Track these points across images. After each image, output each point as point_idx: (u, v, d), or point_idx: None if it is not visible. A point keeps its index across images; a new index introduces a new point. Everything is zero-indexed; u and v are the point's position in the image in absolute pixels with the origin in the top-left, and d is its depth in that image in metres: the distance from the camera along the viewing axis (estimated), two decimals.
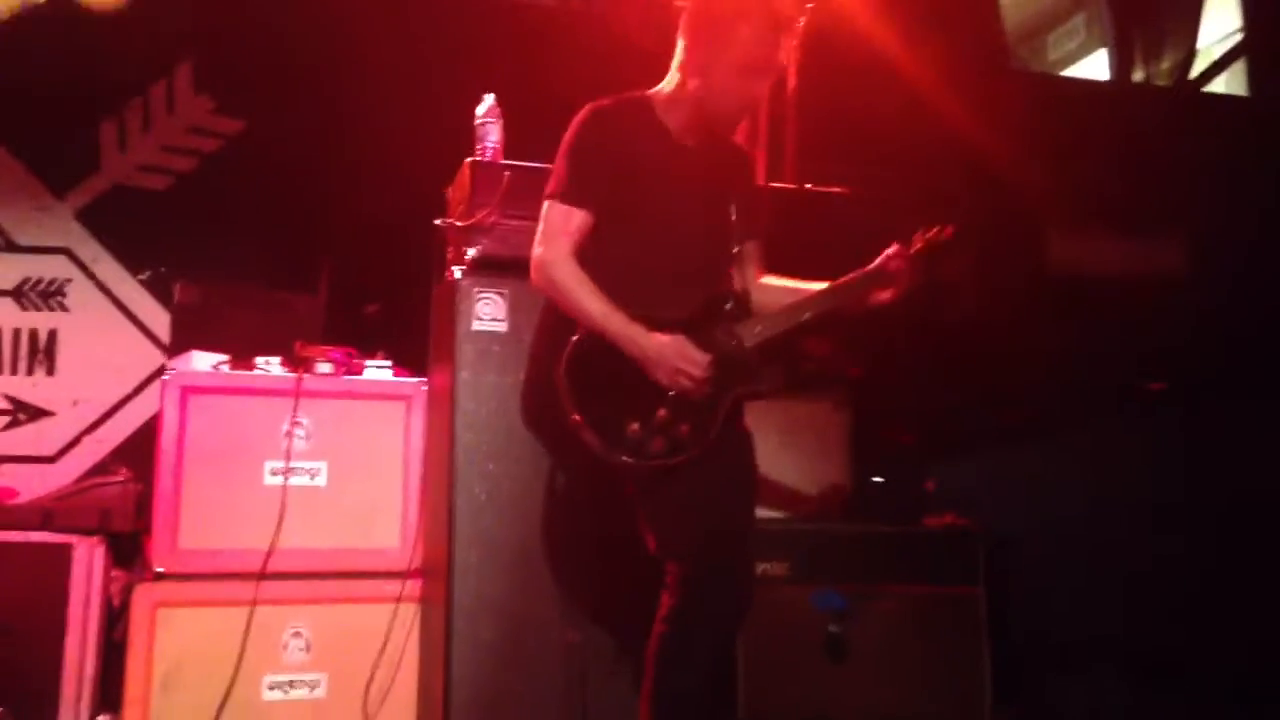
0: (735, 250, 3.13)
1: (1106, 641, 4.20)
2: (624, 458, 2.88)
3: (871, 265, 3.14)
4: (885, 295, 3.12)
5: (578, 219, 2.99)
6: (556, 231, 2.99)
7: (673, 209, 3.02)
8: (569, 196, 2.99)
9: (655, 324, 2.94)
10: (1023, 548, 4.35)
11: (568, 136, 3.05)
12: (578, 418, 2.90)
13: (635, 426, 2.88)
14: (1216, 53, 6.76)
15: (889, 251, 3.12)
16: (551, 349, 3.04)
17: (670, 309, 2.97)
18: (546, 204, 3.05)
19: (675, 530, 2.96)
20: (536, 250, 3.03)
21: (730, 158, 3.22)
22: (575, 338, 2.97)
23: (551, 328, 3.12)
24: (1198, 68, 6.39)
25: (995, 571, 4.09)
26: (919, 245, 3.12)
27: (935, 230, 3.13)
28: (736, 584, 2.95)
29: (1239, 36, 6.66)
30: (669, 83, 3.10)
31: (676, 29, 5.75)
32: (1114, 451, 4.39)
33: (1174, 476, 4.22)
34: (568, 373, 2.94)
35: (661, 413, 2.89)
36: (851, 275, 3.14)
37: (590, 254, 3.02)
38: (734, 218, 3.10)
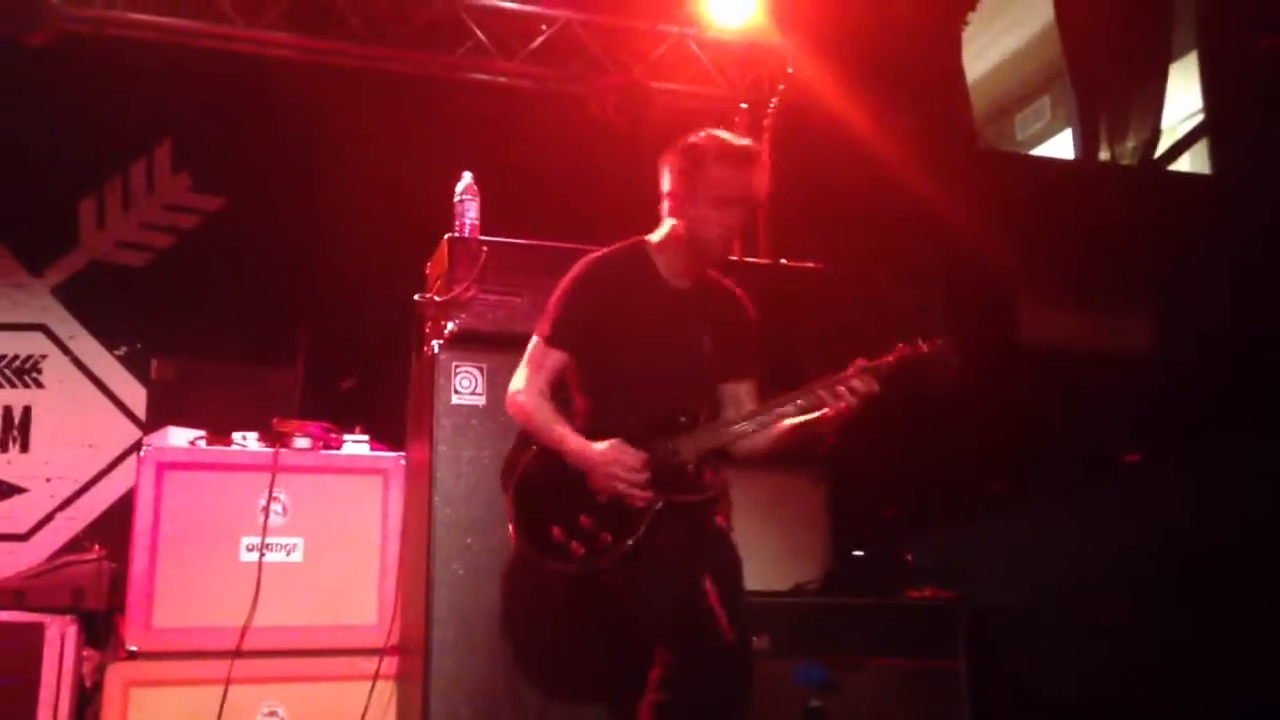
0: (712, 383, 3.23)
1: (1088, 711, 4.18)
2: (549, 564, 3.02)
3: (834, 378, 3.03)
4: (843, 406, 3.01)
5: (554, 358, 3.17)
6: (533, 368, 3.18)
7: (649, 345, 3.15)
8: (551, 339, 3.17)
9: (610, 435, 3.04)
10: (1003, 619, 4.34)
11: (564, 282, 3.22)
12: (511, 528, 3.10)
13: (558, 532, 3.00)
14: (1180, 132, 6.92)
15: (856, 363, 3.04)
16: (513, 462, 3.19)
17: (627, 420, 3.06)
18: (534, 339, 3.21)
19: (648, 621, 3.00)
20: (515, 379, 3.20)
21: (721, 298, 3.32)
22: (523, 462, 3.13)
23: (520, 445, 3.24)
24: (1161, 147, 6.52)
25: (976, 643, 4.08)
26: (894, 358, 3.03)
27: (916, 345, 3.05)
28: (719, 666, 2.89)
29: (1201, 117, 6.82)
30: (659, 231, 3.25)
31: (649, 110, 5.91)
32: (1091, 523, 4.41)
33: (1150, 546, 4.24)
34: (516, 492, 3.12)
35: (584, 520, 3.00)
36: (807, 386, 3.05)
37: (574, 381, 3.22)
38: (709, 350, 3.20)
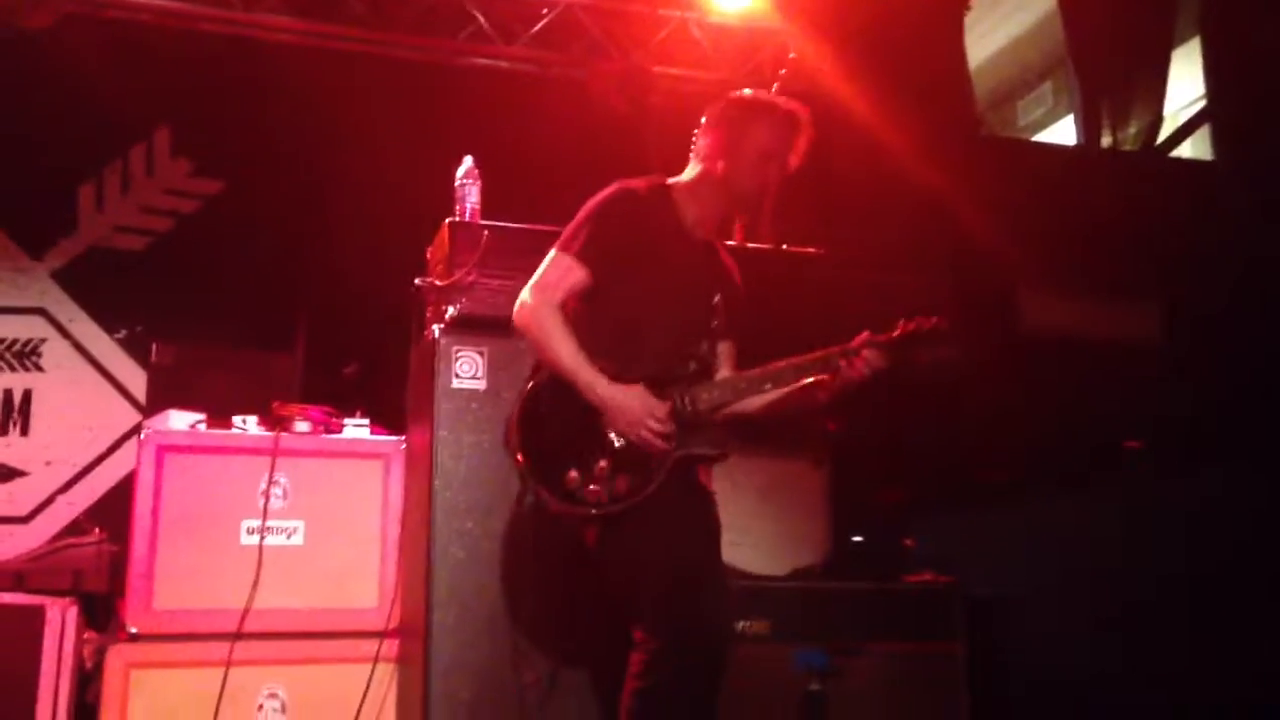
0: (713, 333, 3.20)
1: (1086, 697, 4.19)
2: (558, 503, 2.94)
3: (841, 347, 3.08)
4: (852, 376, 3.05)
5: (576, 276, 3.09)
6: (552, 281, 3.09)
7: (664, 288, 3.11)
8: (578, 254, 3.09)
9: (619, 379, 2.99)
10: (1002, 604, 4.35)
11: (593, 203, 3.16)
12: (520, 458, 2.99)
13: (574, 474, 2.94)
14: (1182, 118, 6.91)
15: (863, 336, 3.09)
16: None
17: (637, 366, 3.03)
18: (553, 253, 3.13)
19: (636, 593, 2.95)
20: (527, 291, 3.11)
21: (724, 260, 3.34)
22: (531, 383, 3.07)
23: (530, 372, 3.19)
24: (1164, 133, 6.51)
25: (975, 628, 4.09)
26: (898, 333, 3.06)
27: (919, 321, 3.07)
28: (705, 642, 2.91)
29: (1203, 103, 6.81)
30: (689, 173, 3.24)
31: (650, 94, 5.89)
32: (1092, 509, 4.41)
33: (1149, 535, 4.24)
34: (521, 415, 3.03)
35: (602, 463, 2.94)
36: (818, 352, 3.09)
37: (578, 312, 3.12)
38: (716, 306, 3.19)
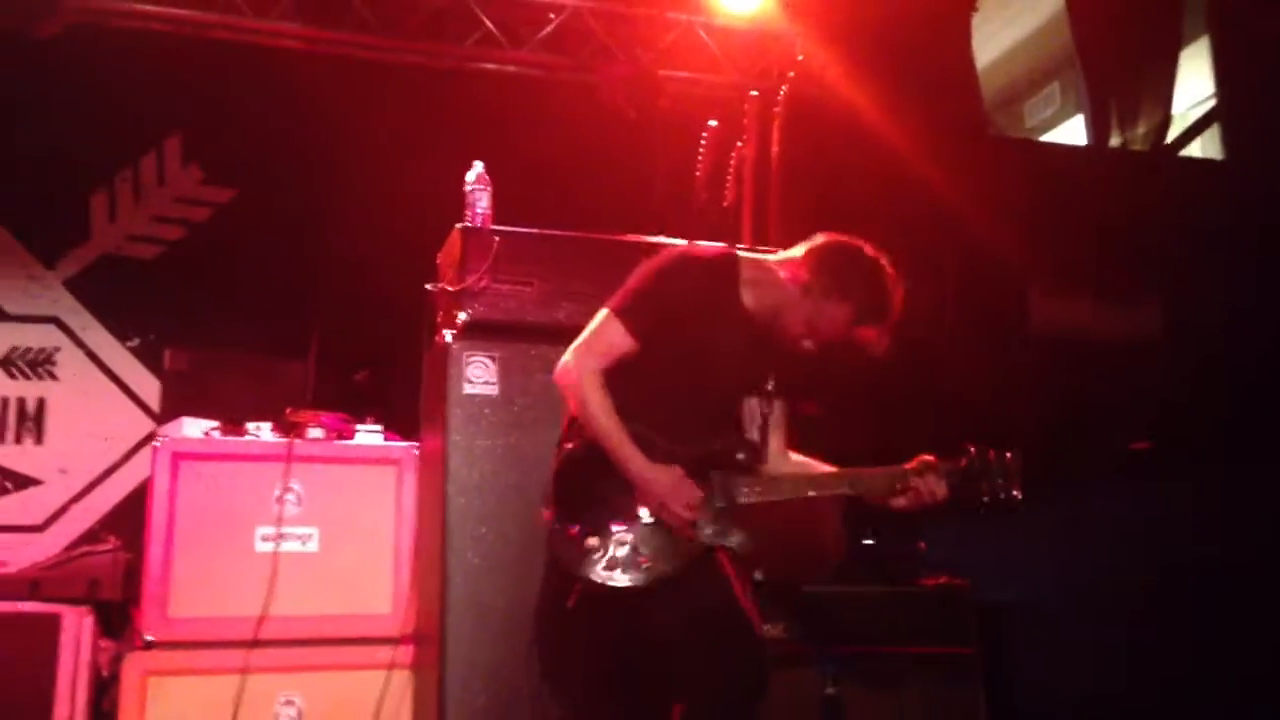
0: (764, 416, 3.12)
1: (1101, 702, 4.19)
2: (578, 566, 2.87)
3: (900, 467, 3.01)
4: (903, 503, 3.00)
5: (626, 344, 2.98)
6: (601, 348, 2.98)
7: (716, 360, 3.03)
8: (628, 321, 2.98)
9: (657, 451, 2.92)
10: (1015, 607, 4.35)
11: (656, 264, 3.05)
12: (547, 515, 2.94)
13: (594, 542, 2.87)
14: (1191, 117, 6.90)
15: (925, 459, 3.00)
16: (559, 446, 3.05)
17: (685, 445, 2.95)
18: (606, 313, 3.01)
19: (669, 666, 2.90)
20: (573, 350, 3.00)
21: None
22: (571, 445, 2.99)
23: (564, 432, 3.09)
24: (1173, 133, 6.50)
25: (990, 632, 4.08)
26: (964, 463, 2.99)
27: (987, 451, 3.00)
28: (733, 697, 2.87)
29: (1212, 102, 6.80)
30: (769, 262, 3.13)
31: (659, 98, 5.88)
32: (1101, 511, 4.41)
33: (1159, 536, 4.24)
34: (557, 473, 2.97)
35: (625, 536, 2.88)
36: (875, 470, 3.03)
37: (626, 372, 3.00)
38: (770, 386, 3.13)
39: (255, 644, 3.79)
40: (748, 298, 3.08)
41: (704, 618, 2.87)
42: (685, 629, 2.86)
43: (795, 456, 3.21)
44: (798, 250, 3.10)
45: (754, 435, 3.10)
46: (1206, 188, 6.25)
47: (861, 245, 3.08)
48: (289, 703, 3.83)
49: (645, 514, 2.90)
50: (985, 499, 2.99)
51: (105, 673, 3.92)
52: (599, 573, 2.86)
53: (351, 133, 5.59)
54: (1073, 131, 8.09)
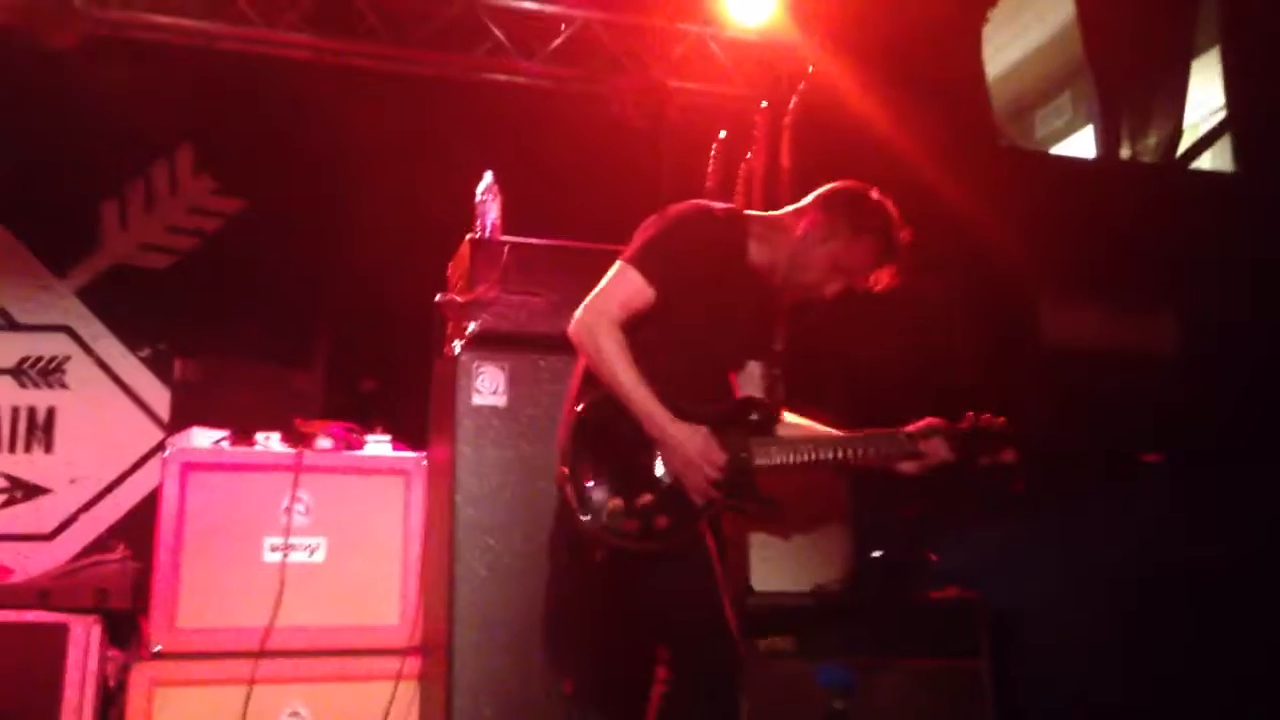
0: (776, 373, 3.15)
1: (1110, 712, 4.16)
2: (594, 527, 2.84)
3: (908, 428, 3.10)
4: (911, 467, 3.11)
5: (644, 296, 2.94)
6: (617, 297, 2.94)
7: (729, 317, 3.04)
8: (647, 271, 2.94)
9: (679, 411, 2.89)
10: (1027, 619, 4.33)
11: (670, 219, 3.03)
12: (564, 470, 2.89)
13: (618, 502, 2.84)
14: (1202, 129, 6.88)
15: (930, 422, 3.09)
16: (571, 406, 3.01)
17: (698, 404, 2.94)
18: (620, 265, 2.98)
19: (667, 624, 2.92)
20: (588, 305, 2.95)
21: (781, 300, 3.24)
22: (589, 400, 2.93)
23: (579, 388, 3.04)
24: (1183, 145, 6.49)
25: (999, 644, 4.07)
26: (966, 426, 3.08)
27: (988, 417, 3.09)
28: (725, 677, 2.90)
29: (1223, 114, 6.78)
30: (780, 220, 3.15)
31: (668, 109, 5.89)
32: (1115, 521, 4.39)
33: (1175, 548, 4.22)
34: (574, 428, 2.92)
35: (646, 497, 2.85)
36: (884, 430, 3.10)
37: (638, 332, 2.96)
38: (777, 344, 3.16)
39: (262, 654, 3.80)
40: (756, 253, 3.08)
41: (698, 587, 2.87)
42: (679, 596, 2.87)
43: (791, 417, 3.22)
44: (805, 201, 3.15)
45: (758, 395, 3.10)
46: (1217, 200, 6.24)
47: (866, 186, 3.14)
48: (295, 714, 3.83)
49: (661, 472, 2.88)
50: (984, 463, 3.07)
51: (112, 683, 3.91)
52: (620, 536, 2.82)
53: (362, 143, 5.59)
54: (1083, 142, 8.08)
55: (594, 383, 2.95)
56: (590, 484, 2.86)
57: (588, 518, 2.84)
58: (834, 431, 3.16)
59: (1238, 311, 5.54)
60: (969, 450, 3.08)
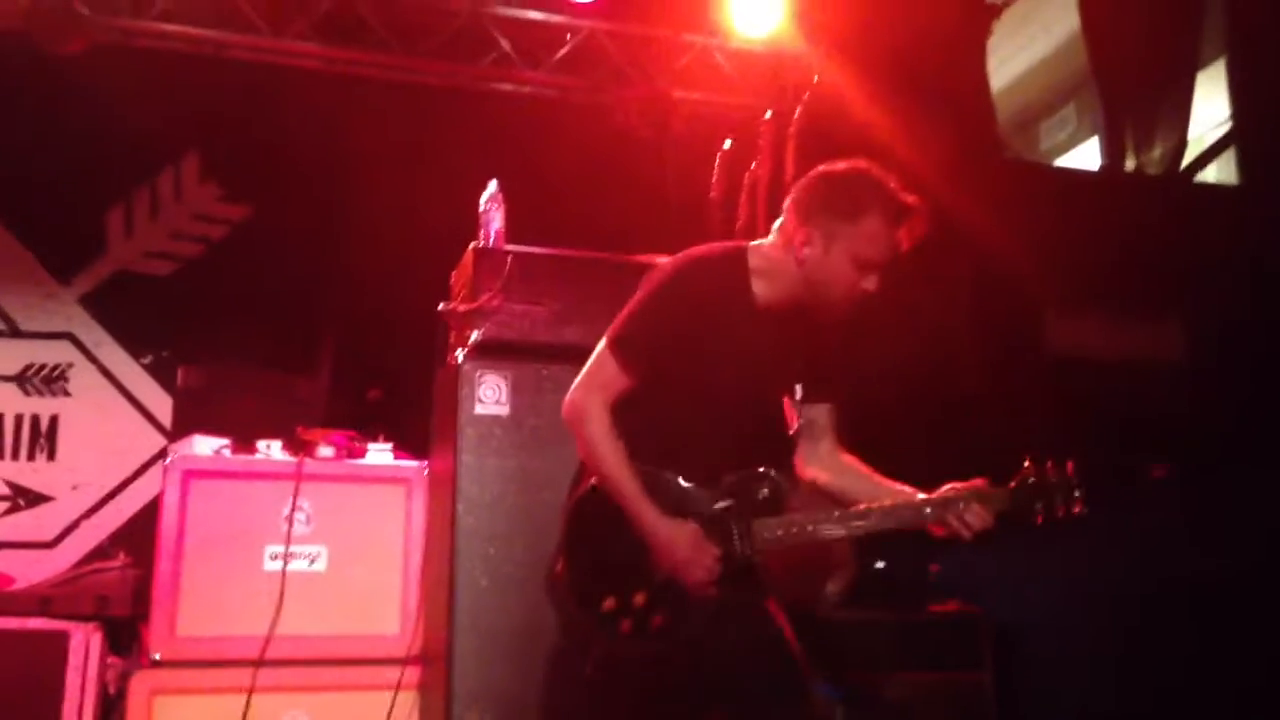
0: (793, 432, 2.90)
1: None
2: (589, 626, 2.75)
3: (943, 497, 2.74)
4: (942, 533, 2.75)
5: (623, 382, 2.78)
6: (601, 382, 2.78)
7: (732, 375, 2.80)
8: (624, 358, 2.77)
9: (675, 495, 2.74)
10: (1029, 632, 4.31)
11: (656, 282, 2.82)
12: (560, 569, 2.79)
13: (610, 603, 2.72)
14: (1207, 141, 6.87)
15: (973, 487, 2.74)
16: (572, 487, 2.91)
17: (700, 474, 2.77)
18: (604, 346, 2.81)
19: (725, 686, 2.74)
20: (576, 385, 2.82)
21: (806, 325, 2.90)
22: (586, 488, 2.82)
23: (579, 471, 2.93)
24: (1188, 156, 6.48)
25: (1002, 657, 4.05)
26: (1013, 486, 2.74)
27: (1045, 467, 2.76)
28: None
29: (1228, 125, 6.77)
30: (772, 245, 2.85)
31: (674, 119, 5.90)
32: (1118, 537, 4.37)
33: (1178, 561, 4.20)
34: (569, 520, 2.83)
35: (639, 598, 2.71)
36: (913, 503, 2.77)
37: (638, 407, 2.80)
38: (798, 396, 2.89)
39: (262, 663, 3.79)
40: (763, 291, 2.82)
41: (743, 662, 2.70)
42: (727, 677, 2.70)
43: (850, 462, 2.97)
44: (780, 223, 2.85)
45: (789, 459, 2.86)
46: (1222, 212, 6.23)
47: (827, 170, 2.83)
48: None
49: (658, 571, 2.72)
50: (1041, 517, 2.74)
51: (112, 690, 3.91)
52: (615, 637, 2.71)
53: (367, 152, 5.61)
54: (1089, 154, 8.07)
55: (583, 474, 2.85)
56: (586, 580, 2.76)
57: (585, 619, 2.75)
58: (885, 484, 2.88)
59: (1243, 322, 5.53)
60: (1021, 508, 2.74)
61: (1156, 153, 6.41)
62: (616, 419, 2.78)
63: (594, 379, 2.80)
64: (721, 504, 2.75)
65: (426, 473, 4.13)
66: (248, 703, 3.75)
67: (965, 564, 4.47)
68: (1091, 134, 7.95)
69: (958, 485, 2.76)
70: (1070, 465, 2.76)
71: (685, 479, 2.77)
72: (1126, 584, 4.28)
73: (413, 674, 3.94)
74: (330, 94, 5.63)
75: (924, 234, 2.79)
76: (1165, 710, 4.03)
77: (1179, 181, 6.41)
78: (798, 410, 2.92)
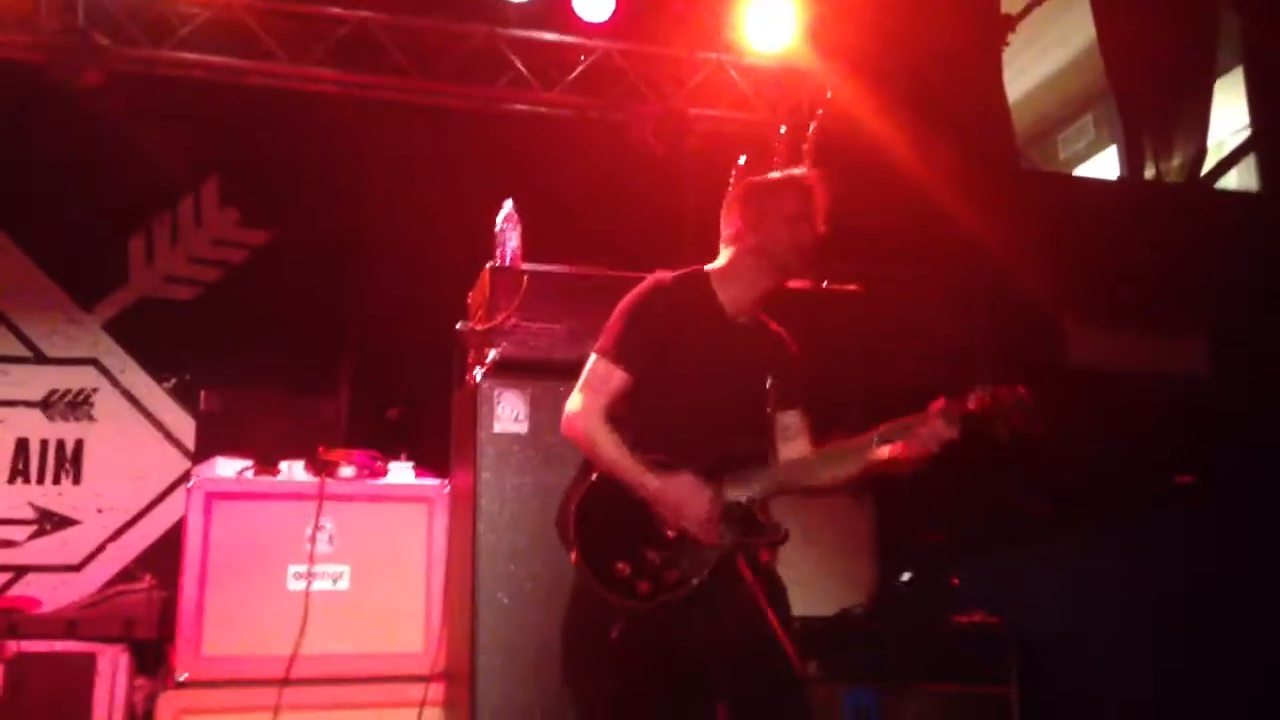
0: (769, 415, 3.19)
1: None
2: (611, 596, 2.92)
3: (909, 419, 3.00)
4: (918, 453, 2.97)
5: (617, 380, 3.07)
6: (595, 387, 3.08)
7: (711, 378, 3.09)
8: (615, 357, 3.08)
9: (670, 470, 2.98)
10: (1054, 645, 4.28)
11: (628, 301, 3.15)
12: (574, 557, 2.97)
13: (623, 567, 2.92)
14: (1227, 148, 6.85)
15: (935, 407, 2.98)
16: (574, 489, 3.10)
17: (690, 462, 3.00)
18: (594, 358, 3.12)
19: (713, 669, 2.94)
20: (573, 399, 3.10)
21: (775, 339, 3.30)
22: (586, 485, 3.03)
23: (583, 471, 3.14)
24: (1208, 164, 6.46)
25: (1027, 669, 4.03)
26: (974, 406, 2.94)
27: (999, 391, 2.94)
28: (790, 699, 2.87)
29: (1247, 132, 6.75)
30: (723, 258, 3.23)
31: (688, 137, 5.93)
32: (1145, 545, 4.35)
33: (1204, 570, 4.17)
34: (577, 512, 3.01)
35: (651, 555, 2.93)
36: (883, 426, 3.02)
37: (628, 411, 3.09)
38: (769, 388, 3.18)
39: (287, 682, 3.80)
40: (730, 299, 3.17)
41: (736, 622, 2.89)
42: (718, 635, 2.89)
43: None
44: (722, 241, 3.25)
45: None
46: (1243, 218, 6.20)
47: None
48: None
49: (663, 529, 2.95)
50: (1007, 437, 2.92)
51: (140, 711, 3.94)
52: (636, 598, 2.90)
53: (384, 174, 5.66)
54: (1107, 164, 8.05)
55: (588, 470, 3.07)
56: (600, 559, 2.94)
57: (603, 589, 2.92)
58: (833, 445, 3.14)
59: (1265, 329, 5.50)
60: (985, 427, 2.94)
61: (1176, 161, 6.40)
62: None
63: (587, 385, 3.09)
64: (711, 470, 2.99)
65: (447, 491, 4.15)
66: None
67: (990, 576, 4.45)
68: (1110, 143, 7.94)
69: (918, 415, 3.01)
70: (1021, 389, 2.95)
71: (677, 462, 2.99)
72: (1151, 595, 4.24)
73: (437, 691, 3.95)
74: (347, 118, 5.68)
75: (823, 179, 3.24)
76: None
77: (1199, 189, 6.39)
78: (772, 420, 3.21)
